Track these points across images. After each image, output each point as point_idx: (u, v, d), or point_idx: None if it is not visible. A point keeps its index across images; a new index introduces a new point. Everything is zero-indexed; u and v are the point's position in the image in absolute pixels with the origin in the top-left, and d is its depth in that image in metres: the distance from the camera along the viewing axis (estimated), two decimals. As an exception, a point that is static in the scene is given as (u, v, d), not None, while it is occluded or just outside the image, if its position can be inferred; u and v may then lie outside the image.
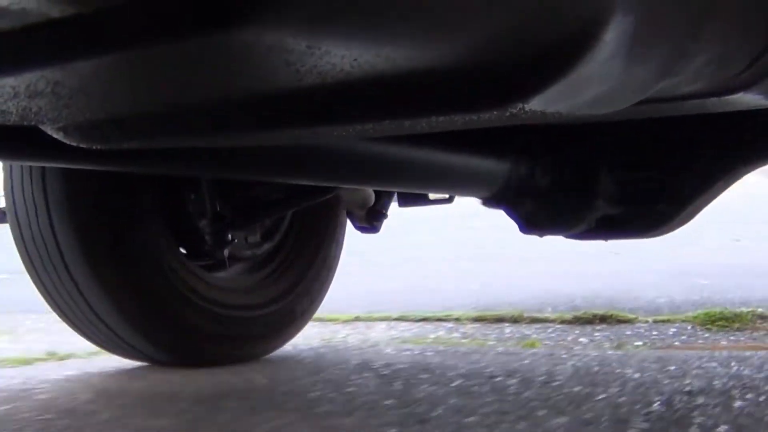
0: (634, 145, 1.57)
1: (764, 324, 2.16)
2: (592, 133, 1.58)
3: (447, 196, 1.98)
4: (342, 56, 0.64)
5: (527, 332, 2.25)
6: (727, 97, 0.83)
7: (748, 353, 1.71)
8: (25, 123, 0.81)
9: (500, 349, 1.92)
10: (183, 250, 1.72)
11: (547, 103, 0.65)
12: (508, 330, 2.30)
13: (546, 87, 0.63)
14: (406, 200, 2.03)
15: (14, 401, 1.45)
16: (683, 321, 2.26)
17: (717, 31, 0.72)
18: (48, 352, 1.99)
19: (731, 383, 1.38)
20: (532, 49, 0.63)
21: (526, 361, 1.69)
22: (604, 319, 2.33)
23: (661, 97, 0.81)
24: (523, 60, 0.63)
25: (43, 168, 1.53)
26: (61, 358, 1.94)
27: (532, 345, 1.97)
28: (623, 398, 1.30)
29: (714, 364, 1.57)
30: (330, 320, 2.53)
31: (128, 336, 1.63)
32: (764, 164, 1.48)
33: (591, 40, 0.60)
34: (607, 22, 0.59)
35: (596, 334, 2.18)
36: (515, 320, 2.43)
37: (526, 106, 0.65)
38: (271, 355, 1.87)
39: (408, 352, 1.88)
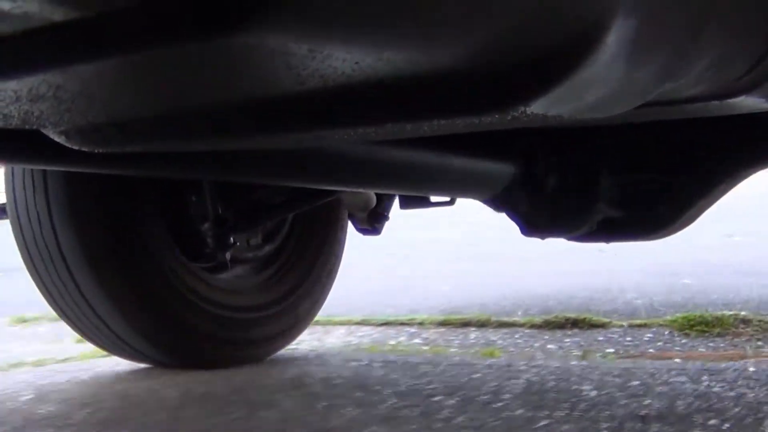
0: (636, 147, 1.56)
1: (747, 329, 2.01)
2: (594, 136, 1.58)
3: (448, 198, 1.98)
4: (343, 60, 0.64)
5: (493, 338, 2.12)
6: (728, 101, 0.83)
7: (723, 364, 1.60)
8: (27, 127, 0.82)
9: (456, 359, 1.79)
10: (184, 253, 1.72)
11: (548, 106, 0.65)
12: (473, 335, 2.18)
13: (547, 90, 0.63)
14: (408, 202, 2.03)
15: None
16: (660, 325, 2.12)
17: (718, 35, 0.72)
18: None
19: (696, 404, 1.27)
20: (533, 52, 0.63)
21: (477, 375, 1.57)
22: (576, 324, 2.19)
23: (662, 101, 0.81)
24: (525, 63, 0.63)
25: (45, 171, 1.53)
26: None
27: (491, 354, 1.84)
28: (567, 426, 1.17)
29: (683, 379, 1.46)
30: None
31: (130, 338, 1.63)
32: (766, 167, 1.48)
33: (592, 44, 0.60)
34: (608, 26, 0.59)
35: (566, 340, 2.05)
36: (482, 324, 2.29)
37: (527, 109, 0.65)
38: (269, 357, 1.87)
39: (354, 363, 1.77)
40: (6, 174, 1.61)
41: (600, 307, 2.46)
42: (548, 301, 2.66)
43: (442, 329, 2.28)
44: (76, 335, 1.76)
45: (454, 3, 0.57)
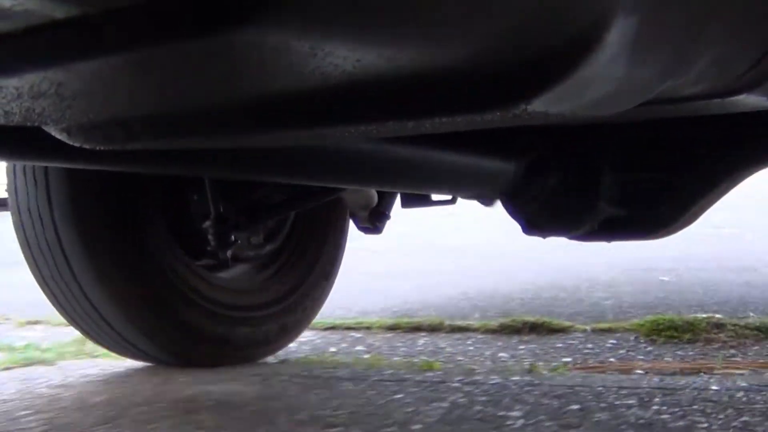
0: (637, 146, 1.56)
1: (720, 335, 1.84)
2: (595, 134, 1.58)
3: (450, 197, 1.98)
4: (344, 57, 0.64)
5: (442, 345, 1.95)
6: (729, 99, 0.83)
7: (683, 381, 1.44)
8: (29, 124, 0.82)
9: (388, 372, 1.60)
10: (185, 251, 1.72)
11: (549, 104, 0.65)
12: (421, 342, 2.02)
13: (548, 88, 0.63)
14: (409, 201, 2.03)
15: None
16: (626, 330, 1.95)
17: (720, 33, 0.72)
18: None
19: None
20: (534, 51, 0.63)
21: (398, 396, 1.38)
22: (534, 328, 2.02)
23: (663, 99, 0.81)
24: (526, 61, 0.63)
25: (46, 168, 1.53)
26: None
27: (430, 367, 1.66)
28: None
29: (631, 401, 1.29)
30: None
31: (131, 335, 1.63)
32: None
33: (594, 42, 0.60)
34: (609, 24, 0.59)
35: (521, 347, 1.88)
36: (434, 329, 2.12)
37: (528, 107, 0.65)
38: (267, 359, 1.87)
39: (256, 378, 1.56)
40: (8, 172, 1.62)
41: (565, 308, 2.30)
42: (511, 301, 2.50)
43: (390, 334, 2.13)
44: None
45: (454, 2, 0.57)
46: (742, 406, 1.24)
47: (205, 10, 0.59)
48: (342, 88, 0.68)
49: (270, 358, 1.85)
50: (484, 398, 1.36)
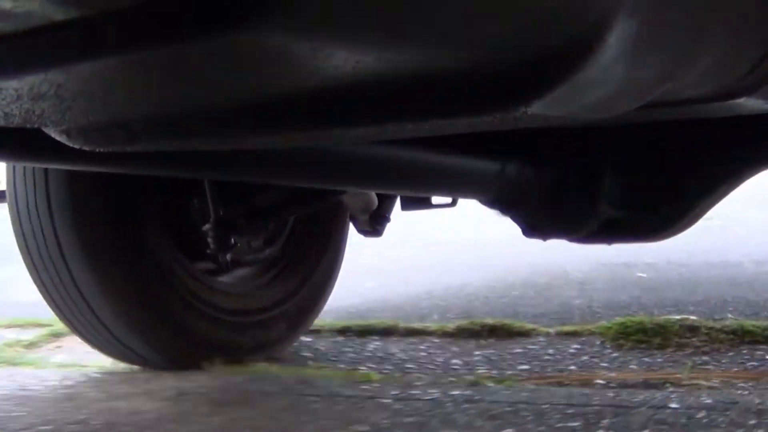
0: (638, 147, 1.56)
1: (692, 339, 1.68)
2: (596, 136, 1.58)
3: (450, 200, 1.98)
4: (344, 59, 0.64)
5: (393, 350, 1.80)
6: (729, 102, 0.83)
7: (642, 396, 1.30)
8: (28, 125, 0.82)
9: (320, 385, 1.44)
10: (185, 253, 1.72)
11: (549, 106, 0.65)
12: (372, 347, 1.87)
13: (548, 91, 0.63)
14: (409, 204, 2.03)
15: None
16: (592, 333, 1.79)
17: (720, 35, 0.72)
18: None
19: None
20: (534, 53, 0.63)
21: (305, 418, 1.23)
22: (494, 331, 1.86)
23: (663, 101, 0.81)
24: (525, 63, 0.63)
25: (46, 170, 1.53)
26: None
27: (368, 378, 1.51)
28: None
29: (575, 424, 1.14)
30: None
31: (127, 339, 1.63)
32: (768, 168, 1.48)
33: (593, 44, 0.60)
34: (609, 26, 0.59)
35: (476, 353, 1.73)
36: (387, 332, 1.96)
37: (528, 109, 0.65)
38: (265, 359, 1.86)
39: (171, 392, 1.43)
40: (7, 173, 1.62)
41: (531, 308, 2.15)
42: (475, 300, 2.33)
43: (340, 338, 1.99)
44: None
45: (454, 4, 0.57)
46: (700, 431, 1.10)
47: (205, 11, 0.59)
48: (342, 90, 0.68)
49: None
50: (410, 419, 1.22)
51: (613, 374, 1.50)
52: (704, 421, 1.13)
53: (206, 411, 1.31)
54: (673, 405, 1.22)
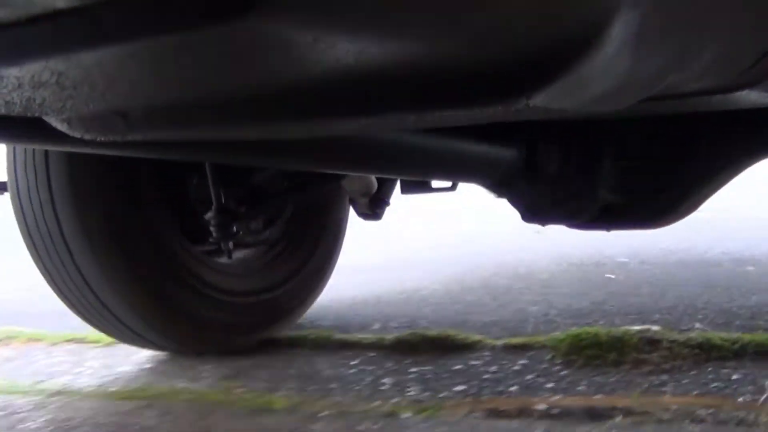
0: (638, 133, 1.56)
1: (652, 354, 1.52)
2: (597, 122, 1.58)
3: (450, 184, 1.98)
4: (347, 50, 0.63)
5: (320, 366, 1.64)
6: (731, 95, 0.82)
7: (579, 430, 1.19)
8: (29, 114, 0.81)
9: (220, 415, 1.33)
10: (186, 236, 1.72)
11: (551, 99, 0.65)
12: (299, 361, 1.71)
13: (550, 83, 0.63)
14: (409, 188, 2.04)
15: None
16: (543, 346, 1.63)
17: (724, 27, 0.71)
18: None
19: None
20: (536, 45, 0.63)
21: None
22: (435, 344, 1.69)
23: (666, 95, 0.81)
24: (528, 56, 0.63)
25: (46, 153, 1.53)
26: None
27: (269, 404, 1.40)
28: None
29: None
30: (37, 339, 1.89)
31: (131, 322, 1.64)
32: (768, 156, 1.48)
33: (597, 36, 0.60)
34: (612, 18, 0.59)
35: (412, 370, 1.57)
36: (318, 345, 1.78)
37: (530, 101, 0.65)
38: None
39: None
40: (7, 156, 1.61)
41: (483, 315, 1.99)
42: (425, 306, 2.14)
43: (266, 353, 1.80)
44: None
45: None
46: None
47: (208, 1, 0.59)
48: (344, 80, 0.68)
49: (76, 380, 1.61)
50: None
51: (556, 398, 1.35)
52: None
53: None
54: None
